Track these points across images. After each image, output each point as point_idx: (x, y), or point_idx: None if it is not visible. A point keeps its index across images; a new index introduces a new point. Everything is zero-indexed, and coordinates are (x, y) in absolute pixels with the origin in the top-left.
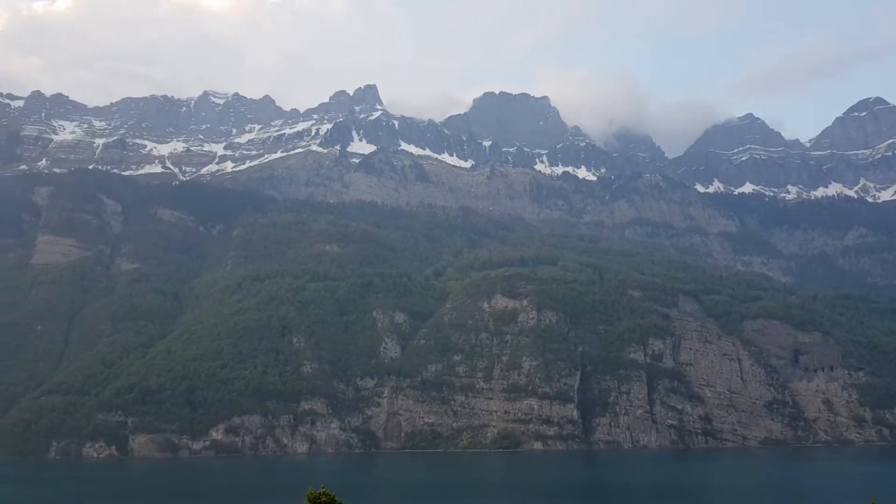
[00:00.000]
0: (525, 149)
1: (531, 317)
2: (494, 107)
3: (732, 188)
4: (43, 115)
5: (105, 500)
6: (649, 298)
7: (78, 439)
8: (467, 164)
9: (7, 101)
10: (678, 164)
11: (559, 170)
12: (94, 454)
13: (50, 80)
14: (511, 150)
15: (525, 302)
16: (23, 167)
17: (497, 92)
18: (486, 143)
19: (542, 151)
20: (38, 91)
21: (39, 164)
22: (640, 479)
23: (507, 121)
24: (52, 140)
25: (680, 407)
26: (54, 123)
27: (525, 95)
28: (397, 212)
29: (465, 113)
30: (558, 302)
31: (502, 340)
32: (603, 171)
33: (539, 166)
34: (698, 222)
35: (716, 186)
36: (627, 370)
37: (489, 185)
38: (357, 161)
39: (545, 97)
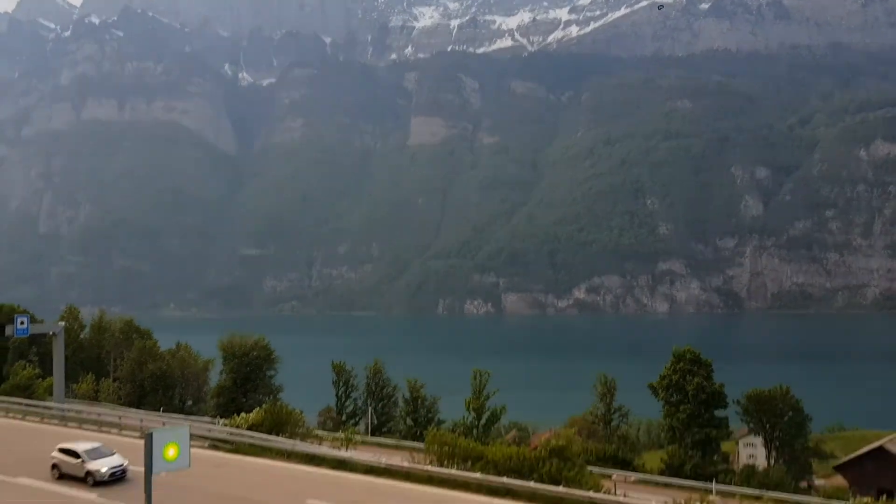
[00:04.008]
0: None
1: None
2: None
3: None
4: (405, 3)
5: (487, 348)
6: None
7: (460, 297)
8: None
9: None
10: None
11: None
12: (474, 310)
13: None
14: None
15: None
16: (393, 56)
17: None
18: None
19: None
20: None
21: (406, 51)
22: None
23: None
24: (414, 27)
25: None
26: (415, 11)
27: None
28: (754, 57)
29: None
30: None
31: (884, 192)
32: None
33: None
34: None
35: None
36: None
37: (865, 14)
38: (707, 7)
39: None
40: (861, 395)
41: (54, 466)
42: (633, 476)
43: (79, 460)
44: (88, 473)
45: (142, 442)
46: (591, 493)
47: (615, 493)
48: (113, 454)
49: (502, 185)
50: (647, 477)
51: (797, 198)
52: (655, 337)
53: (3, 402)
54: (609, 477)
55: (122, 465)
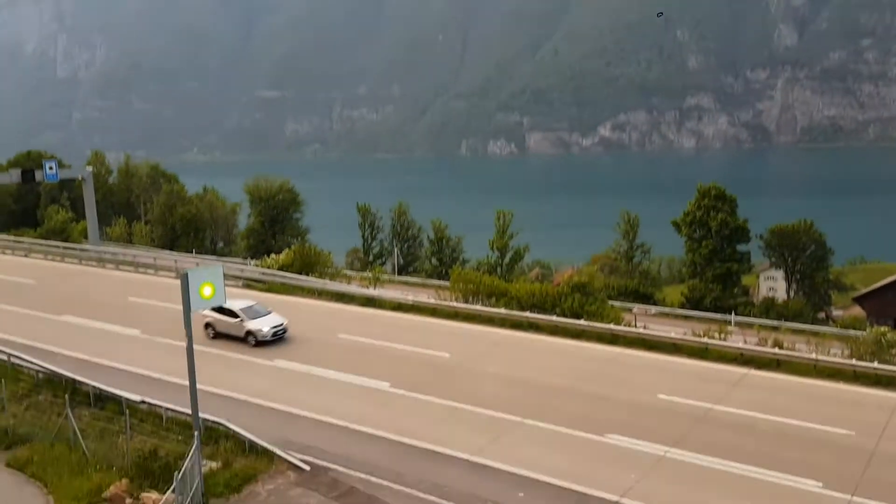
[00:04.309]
0: None
1: None
2: None
3: None
4: None
5: (511, 188)
6: None
7: (483, 138)
8: None
9: None
10: None
11: None
12: (498, 151)
13: None
14: None
15: None
16: None
17: None
18: None
19: None
20: None
21: None
22: None
23: None
24: None
25: None
26: None
27: None
28: None
29: None
30: None
31: None
32: None
33: None
34: None
35: None
36: None
37: None
38: None
39: None
40: (885, 227)
41: (208, 325)
42: (654, 309)
43: (237, 320)
44: (249, 333)
45: (178, 282)
46: (612, 326)
47: (635, 326)
48: (269, 312)
49: (526, 18)
50: (668, 310)
51: (833, 26)
52: (681, 173)
53: (41, 244)
54: (630, 310)
55: (282, 324)
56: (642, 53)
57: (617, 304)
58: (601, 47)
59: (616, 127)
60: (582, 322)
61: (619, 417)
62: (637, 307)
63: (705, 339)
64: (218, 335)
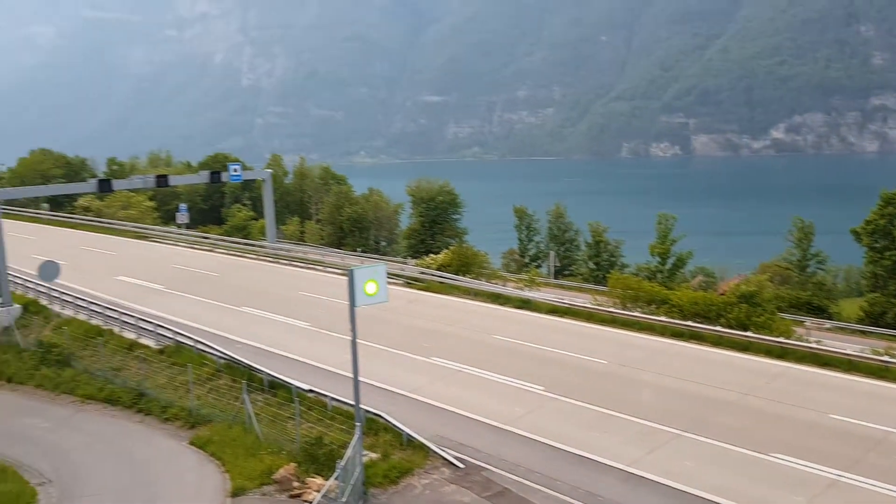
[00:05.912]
0: None
1: None
2: None
3: None
4: None
5: (674, 192)
6: None
7: (645, 140)
8: None
9: None
10: None
11: None
12: (661, 153)
13: None
14: None
15: None
16: None
17: None
18: None
19: None
20: None
21: None
22: None
23: None
24: None
25: None
26: None
27: None
28: None
29: None
30: None
31: None
32: None
33: None
34: None
35: None
36: None
37: None
38: None
39: None
40: None
41: None
42: (828, 323)
43: None
44: None
45: (344, 278)
46: (782, 339)
47: (807, 340)
48: None
49: (694, 16)
50: (844, 325)
51: None
52: (862, 179)
53: (225, 240)
54: (802, 324)
55: None
56: (821, 51)
57: (787, 316)
58: (775, 45)
59: (790, 129)
60: (749, 334)
61: (786, 436)
62: (810, 321)
63: (885, 357)
64: None
